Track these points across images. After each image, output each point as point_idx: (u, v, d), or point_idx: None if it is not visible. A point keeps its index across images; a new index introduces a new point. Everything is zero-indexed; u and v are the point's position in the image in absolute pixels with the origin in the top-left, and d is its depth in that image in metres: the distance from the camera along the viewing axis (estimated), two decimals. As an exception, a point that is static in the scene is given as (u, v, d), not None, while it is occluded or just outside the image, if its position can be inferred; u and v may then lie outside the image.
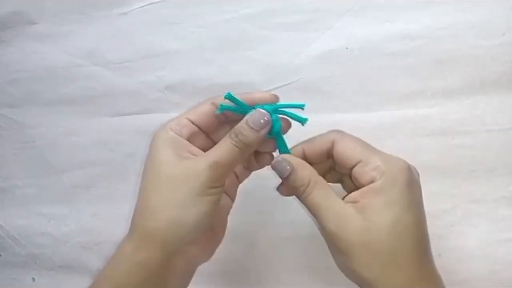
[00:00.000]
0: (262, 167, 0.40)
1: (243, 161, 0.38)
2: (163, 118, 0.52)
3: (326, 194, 0.34)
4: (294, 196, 0.47)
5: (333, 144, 0.35)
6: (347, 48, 0.46)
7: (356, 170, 0.33)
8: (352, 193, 0.33)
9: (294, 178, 0.34)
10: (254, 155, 0.39)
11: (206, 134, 0.38)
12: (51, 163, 0.57)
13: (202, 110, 0.37)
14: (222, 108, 0.36)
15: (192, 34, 0.51)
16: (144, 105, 0.53)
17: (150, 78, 0.52)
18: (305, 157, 0.36)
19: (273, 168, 0.35)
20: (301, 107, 0.35)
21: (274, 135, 0.36)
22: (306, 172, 0.34)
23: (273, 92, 0.37)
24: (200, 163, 0.34)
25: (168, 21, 0.51)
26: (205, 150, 0.36)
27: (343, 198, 0.34)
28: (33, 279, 0.58)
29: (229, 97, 0.35)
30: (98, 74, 0.54)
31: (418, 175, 0.34)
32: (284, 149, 0.37)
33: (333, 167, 0.37)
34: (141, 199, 0.35)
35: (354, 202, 0.33)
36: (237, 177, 0.41)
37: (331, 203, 0.33)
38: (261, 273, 0.50)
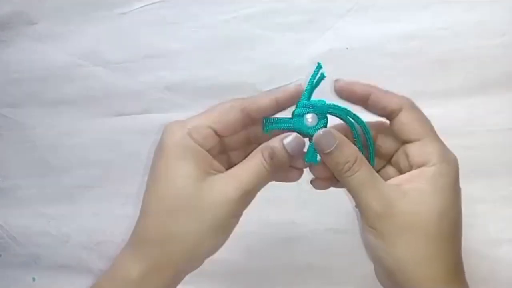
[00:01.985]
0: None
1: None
2: (163, 118, 0.52)
3: (372, 173, 0.31)
4: (294, 196, 0.47)
5: (400, 109, 0.32)
6: (347, 48, 0.46)
7: (411, 147, 0.31)
8: (394, 178, 0.32)
9: (339, 154, 0.31)
10: None
11: (221, 139, 0.34)
12: (51, 163, 0.57)
13: (229, 120, 0.32)
14: (268, 128, 0.33)
15: (192, 34, 0.51)
16: (144, 105, 0.53)
17: (150, 78, 0.52)
18: (365, 102, 0.33)
19: (317, 142, 0.31)
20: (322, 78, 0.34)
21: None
22: (352, 148, 0.31)
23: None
24: (230, 191, 0.30)
25: (168, 21, 0.51)
26: (217, 154, 0.32)
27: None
28: (33, 279, 0.59)
29: (268, 127, 0.33)
30: (98, 74, 0.54)
31: None
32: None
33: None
34: (156, 222, 0.31)
35: (397, 185, 0.31)
36: None
37: (378, 183, 0.31)
38: (261, 273, 0.50)
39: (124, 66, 0.53)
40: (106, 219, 0.56)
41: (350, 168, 0.31)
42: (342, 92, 0.33)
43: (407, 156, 0.32)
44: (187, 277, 0.47)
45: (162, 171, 0.31)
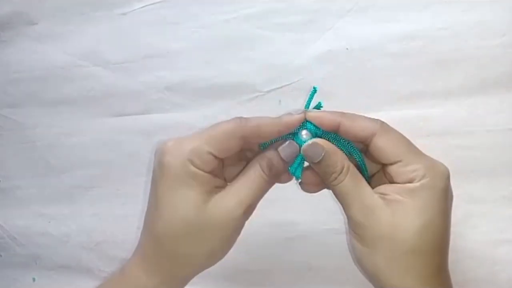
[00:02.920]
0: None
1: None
2: (163, 118, 0.53)
3: (357, 182, 0.32)
4: (294, 196, 0.47)
5: (373, 135, 0.32)
6: (347, 48, 0.46)
7: (393, 169, 0.32)
8: (383, 186, 0.33)
9: (326, 164, 0.32)
10: None
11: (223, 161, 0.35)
12: (51, 163, 0.57)
13: (230, 146, 0.33)
14: (264, 146, 0.35)
15: (192, 35, 0.51)
16: (144, 105, 0.53)
17: (150, 78, 0.52)
18: (337, 131, 0.33)
19: (305, 152, 0.33)
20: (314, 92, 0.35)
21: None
22: (339, 158, 0.32)
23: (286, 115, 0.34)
24: (232, 209, 0.32)
25: (168, 21, 0.51)
26: (216, 170, 0.33)
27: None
28: (34, 279, 0.59)
29: (265, 145, 0.34)
30: (98, 74, 0.54)
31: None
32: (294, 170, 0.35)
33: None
34: (165, 247, 0.33)
35: (384, 194, 0.32)
36: None
37: (362, 193, 0.32)
38: (261, 273, 0.50)
39: (124, 66, 0.53)
40: (106, 219, 0.56)
41: (335, 178, 0.32)
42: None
43: (391, 176, 0.32)
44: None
45: (166, 197, 0.32)
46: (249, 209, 0.33)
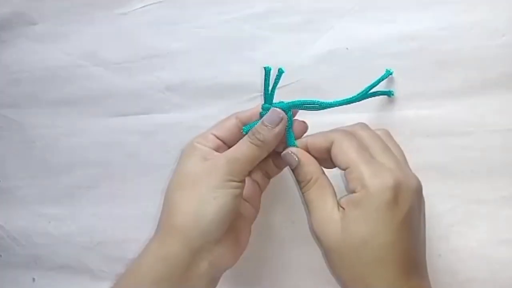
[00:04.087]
0: (281, 169, 0.42)
1: (261, 159, 0.39)
2: (163, 119, 0.53)
3: (321, 194, 0.35)
4: (294, 196, 0.47)
5: (331, 144, 0.36)
6: (347, 48, 0.46)
7: (344, 175, 0.35)
8: (343, 198, 0.34)
9: (298, 172, 0.37)
10: (272, 160, 0.41)
11: (229, 147, 0.39)
12: (51, 163, 0.57)
13: (227, 125, 0.40)
14: (245, 129, 0.39)
15: (193, 35, 0.51)
16: (144, 105, 0.53)
17: (151, 78, 0.52)
18: (308, 151, 0.38)
19: (283, 158, 0.38)
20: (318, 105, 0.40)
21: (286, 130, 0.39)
22: (310, 168, 0.36)
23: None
24: (219, 159, 0.36)
25: (168, 21, 0.51)
26: (220, 151, 0.39)
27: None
28: (33, 280, 0.59)
29: (246, 128, 0.39)
30: (98, 75, 0.54)
31: (418, 191, 0.34)
32: (291, 143, 0.39)
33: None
34: (166, 199, 0.38)
35: (342, 207, 0.34)
36: (259, 186, 0.42)
37: (322, 204, 0.35)
38: (261, 273, 0.50)
39: (124, 66, 0.53)
40: (106, 219, 0.56)
41: (304, 186, 0.36)
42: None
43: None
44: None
45: (176, 169, 0.39)
46: (233, 162, 0.36)
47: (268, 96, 0.41)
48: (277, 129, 0.37)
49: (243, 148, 0.37)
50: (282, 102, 0.40)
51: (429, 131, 0.44)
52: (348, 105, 0.43)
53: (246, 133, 0.38)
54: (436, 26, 0.43)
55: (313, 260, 0.48)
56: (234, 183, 0.36)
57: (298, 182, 0.37)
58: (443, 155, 0.44)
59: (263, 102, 0.41)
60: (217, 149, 0.39)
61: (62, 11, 0.55)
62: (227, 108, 0.50)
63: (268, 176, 0.43)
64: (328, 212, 0.34)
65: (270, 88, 0.41)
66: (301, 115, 0.44)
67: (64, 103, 0.56)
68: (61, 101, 0.56)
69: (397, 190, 0.32)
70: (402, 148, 0.41)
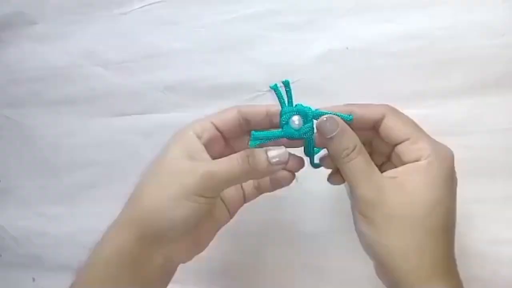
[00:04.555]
0: (274, 190, 0.39)
1: (242, 182, 0.37)
2: (163, 118, 0.53)
3: (369, 162, 0.33)
4: (294, 196, 0.47)
5: (383, 117, 0.34)
6: (347, 48, 0.46)
7: (401, 147, 0.33)
8: (390, 170, 0.33)
9: (340, 140, 0.32)
10: (271, 178, 0.38)
11: (226, 141, 0.38)
12: (52, 163, 0.57)
13: (228, 117, 0.37)
14: (254, 143, 0.35)
15: (192, 35, 0.51)
16: (144, 105, 0.53)
17: (150, 78, 0.52)
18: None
19: (320, 126, 0.33)
20: (348, 119, 0.34)
21: (306, 139, 0.35)
22: (352, 136, 0.33)
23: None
24: (197, 168, 0.33)
25: (168, 21, 0.51)
26: (221, 156, 0.35)
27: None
28: (33, 279, 0.59)
29: (254, 142, 0.35)
30: (98, 74, 0.54)
31: None
32: (310, 152, 0.36)
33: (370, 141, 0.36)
34: (135, 188, 0.36)
35: (393, 177, 0.32)
36: (244, 196, 0.39)
37: (372, 172, 0.33)
38: (261, 273, 0.50)
39: (124, 66, 0.53)
40: (106, 219, 0.55)
41: (348, 155, 0.32)
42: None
43: (399, 156, 0.33)
44: (186, 276, 0.47)
45: (160, 152, 0.36)
46: (211, 178, 0.33)
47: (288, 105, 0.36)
48: (275, 168, 0.34)
49: (227, 166, 0.33)
50: (301, 105, 0.36)
51: (429, 131, 0.44)
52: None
53: (252, 146, 0.35)
54: (436, 26, 0.43)
55: (314, 260, 0.48)
56: (203, 199, 0.33)
57: (338, 152, 0.33)
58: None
59: (279, 109, 0.36)
60: (212, 141, 0.36)
61: (62, 11, 0.55)
62: (227, 108, 0.50)
63: (259, 190, 0.40)
64: (381, 178, 0.32)
65: (286, 99, 0.36)
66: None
67: (64, 103, 0.56)
68: (62, 101, 0.56)
69: (453, 159, 0.32)
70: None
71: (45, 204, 0.58)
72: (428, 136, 0.33)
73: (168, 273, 0.37)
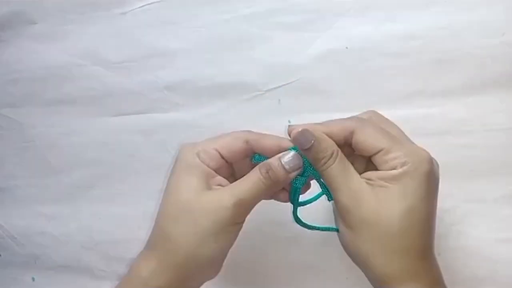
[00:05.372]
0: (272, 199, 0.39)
1: (266, 198, 0.38)
2: (163, 118, 0.53)
3: (345, 168, 0.34)
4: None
5: (352, 134, 0.34)
6: (347, 47, 0.46)
7: (376, 159, 0.34)
8: (369, 172, 0.34)
9: (316, 149, 0.34)
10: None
11: (230, 164, 0.38)
12: (51, 163, 0.57)
13: (234, 148, 0.36)
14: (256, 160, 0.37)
15: (192, 34, 0.51)
16: (144, 105, 0.53)
17: (150, 78, 0.52)
18: None
19: (296, 139, 0.35)
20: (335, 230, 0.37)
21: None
22: (329, 143, 0.34)
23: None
24: (225, 199, 0.34)
25: (168, 21, 0.51)
26: (227, 179, 0.36)
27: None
28: (33, 279, 0.58)
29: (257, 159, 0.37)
30: (98, 74, 0.54)
31: (438, 166, 0.34)
32: (294, 198, 0.38)
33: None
34: (160, 225, 0.35)
35: (369, 179, 0.33)
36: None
37: (349, 178, 0.34)
38: (261, 273, 0.50)
39: (124, 66, 0.53)
40: (106, 219, 0.56)
41: (325, 163, 0.34)
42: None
43: (375, 167, 0.34)
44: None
45: (172, 184, 0.36)
46: (240, 204, 0.34)
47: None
48: (292, 175, 0.35)
49: (251, 187, 0.34)
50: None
51: (428, 130, 0.44)
52: (348, 105, 0.43)
53: (255, 162, 0.36)
54: (435, 25, 0.43)
55: (314, 260, 0.48)
56: (237, 226, 0.35)
57: (317, 161, 0.34)
58: (443, 154, 0.43)
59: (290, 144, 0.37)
60: (219, 170, 0.36)
61: (61, 11, 0.55)
62: (227, 108, 0.50)
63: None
64: (357, 184, 0.33)
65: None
66: (301, 116, 0.44)
67: (64, 102, 0.56)
68: (61, 100, 0.56)
69: (430, 163, 0.33)
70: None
71: (44, 203, 0.58)
72: (402, 143, 0.34)
73: None
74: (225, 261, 0.49)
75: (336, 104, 0.46)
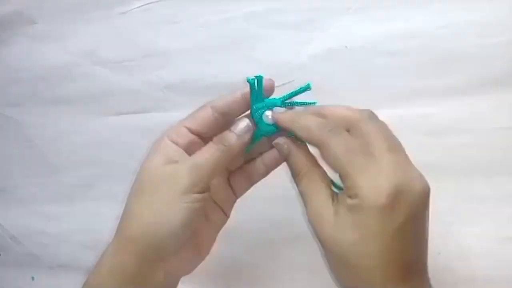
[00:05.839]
0: (268, 172, 0.39)
1: (225, 166, 0.37)
2: (163, 118, 0.53)
3: (314, 186, 0.34)
4: (294, 196, 0.47)
5: (322, 144, 0.32)
6: (346, 47, 0.46)
7: (341, 178, 0.32)
8: (340, 195, 0.32)
9: (290, 163, 0.35)
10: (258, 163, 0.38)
11: (205, 139, 0.37)
12: (51, 163, 0.57)
13: (201, 116, 0.36)
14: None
15: (192, 33, 0.51)
16: (144, 104, 0.53)
17: (150, 77, 0.52)
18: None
19: (275, 146, 0.36)
20: (307, 89, 0.36)
21: (265, 134, 0.37)
22: (300, 160, 0.34)
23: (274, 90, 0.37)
24: (181, 167, 0.34)
25: (167, 20, 0.52)
26: (194, 147, 0.36)
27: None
28: (33, 278, 0.58)
29: (252, 81, 0.36)
30: (98, 74, 0.54)
31: (422, 194, 0.31)
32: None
33: None
34: (125, 204, 0.36)
35: (338, 199, 0.32)
36: (234, 192, 0.39)
37: (315, 197, 0.33)
38: (261, 273, 0.50)
39: (124, 65, 0.53)
40: (106, 219, 0.55)
41: (296, 177, 0.35)
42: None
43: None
44: (185, 276, 0.47)
45: (141, 166, 0.36)
46: (196, 171, 0.33)
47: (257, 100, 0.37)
48: (245, 138, 0.35)
49: (206, 154, 0.34)
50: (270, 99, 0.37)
51: (428, 129, 0.44)
52: (347, 104, 0.42)
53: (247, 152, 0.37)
54: (435, 25, 0.43)
55: (314, 259, 0.48)
56: (196, 195, 0.33)
57: (292, 172, 0.35)
58: (442, 153, 0.44)
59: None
60: (191, 145, 0.36)
61: (62, 10, 0.55)
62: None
63: (251, 181, 0.39)
64: (321, 205, 0.32)
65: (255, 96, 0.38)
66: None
67: (63, 102, 0.56)
68: (61, 100, 0.56)
69: (394, 196, 0.29)
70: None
71: (44, 203, 0.58)
72: (362, 169, 0.30)
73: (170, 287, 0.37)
74: (225, 261, 0.50)
75: (336, 103, 0.46)
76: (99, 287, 0.35)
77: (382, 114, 0.45)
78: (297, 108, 0.37)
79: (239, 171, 0.39)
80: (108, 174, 0.55)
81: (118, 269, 0.34)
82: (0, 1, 0.57)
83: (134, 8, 0.52)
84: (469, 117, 0.43)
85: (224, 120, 0.37)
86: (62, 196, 0.57)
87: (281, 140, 0.35)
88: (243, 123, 0.36)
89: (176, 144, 0.36)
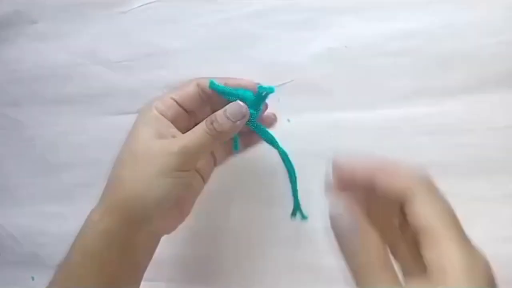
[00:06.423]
0: (249, 144, 0.41)
1: (215, 148, 0.40)
2: (162, 117, 0.53)
3: (386, 280, 0.25)
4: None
5: (404, 202, 0.26)
6: (346, 46, 0.46)
7: (424, 245, 0.26)
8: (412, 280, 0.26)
9: (352, 247, 0.27)
10: (241, 138, 0.41)
11: (189, 115, 0.39)
12: (51, 162, 0.57)
13: (187, 91, 0.39)
14: (213, 85, 0.38)
15: (192, 33, 0.51)
16: (144, 103, 0.53)
17: (150, 77, 0.52)
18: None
19: (331, 220, 0.29)
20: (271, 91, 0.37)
21: (255, 128, 0.39)
22: (373, 248, 0.26)
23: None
24: (172, 146, 0.35)
25: (167, 20, 0.51)
26: (187, 131, 0.37)
27: None
28: (33, 278, 0.58)
29: (213, 85, 0.37)
30: (98, 73, 0.54)
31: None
32: (267, 137, 0.40)
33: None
34: (112, 171, 0.37)
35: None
36: (214, 160, 0.42)
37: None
38: (260, 273, 0.50)
39: (124, 65, 0.53)
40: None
41: (362, 268, 0.27)
42: (340, 183, 0.29)
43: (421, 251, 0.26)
44: (185, 276, 0.47)
45: (129, 135, 0.38)
46: (186, 151, 0.35)
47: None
48: (238, 123, 0.36)
49: (197, 137, 0.36)
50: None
51: (428, 129, 0.44)
52: (347, 104, 0.43)
53: (212, 88, 0.38)
54: (435, 24, 0.43)
55: (314, 259, 0.48)
56: (183, 173, 0.36)
57: (345, 254, 0.27)
58: (442, 153, 0.44)
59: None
60: (177, 117, 0.38)
61: (62, 10, 0.55)
62: (226, 107, 0.50)
63: (232, 151, 0.42)
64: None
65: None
66: (300, 115, 0.44)
67: (64, 101, 0.56)
68: (61, 99, 0.56)
69: (489, 274, 0.26)
70: (402, 146, 0.41)
71: (44, 202, 0.58)
72: (461, 244, 0.25)
73: (153, 246, 0.39)
74: (225, 261, 0.50)
75: (336, 103, 0.46)
76: (87, 248, 0.36)
77: (382, 114, 0.45)
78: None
79: None
80: (108, 174, 0.55)
81: (104, 233, 0.35)
82: (0, 0, 0.57)
83: (134, 8, 0.52)
84: (469, 117, 0.43)
85: (208, 98, 0.39)
86: (62, 196, 0.57)
87: (340, 207, 0.28)
88: (239, 109, 0.36)
89: (165, 116, 0.37)
